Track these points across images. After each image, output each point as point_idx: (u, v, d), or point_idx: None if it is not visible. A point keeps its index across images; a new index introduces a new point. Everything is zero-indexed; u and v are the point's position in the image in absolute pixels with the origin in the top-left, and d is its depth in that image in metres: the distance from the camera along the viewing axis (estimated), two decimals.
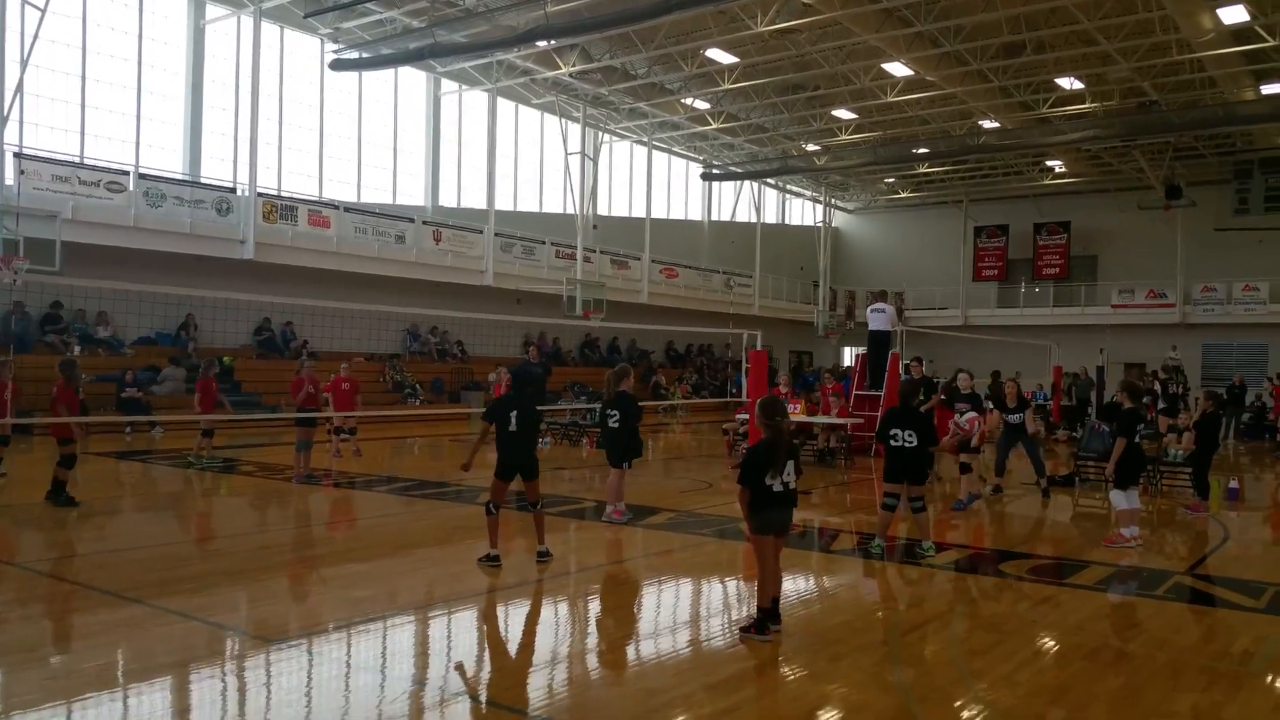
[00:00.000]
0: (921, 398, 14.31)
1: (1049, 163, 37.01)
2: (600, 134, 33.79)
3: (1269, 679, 5.79)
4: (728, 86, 28.17)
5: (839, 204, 46.04)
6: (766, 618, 6.32)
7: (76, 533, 10.15)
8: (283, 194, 24.80)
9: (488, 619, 7.08)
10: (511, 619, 7.10)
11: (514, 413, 8.19)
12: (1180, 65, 25.43)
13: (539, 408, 9.18)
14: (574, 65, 27.04)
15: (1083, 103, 28.96)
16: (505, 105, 30.86)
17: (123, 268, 20.40)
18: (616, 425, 10.68)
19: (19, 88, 19.04)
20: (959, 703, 5.25)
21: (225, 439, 18.76)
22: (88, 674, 5.52)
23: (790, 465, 6.38)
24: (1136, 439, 10.14)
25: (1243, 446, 22.76)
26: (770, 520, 6.38)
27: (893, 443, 9.07)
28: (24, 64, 18.89)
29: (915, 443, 9.02)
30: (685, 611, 7.46)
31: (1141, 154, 33.72)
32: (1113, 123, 29.19)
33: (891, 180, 41.68)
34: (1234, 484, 13.52)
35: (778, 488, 6.34)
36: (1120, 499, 9.79)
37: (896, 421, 9.13)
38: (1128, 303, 37.07)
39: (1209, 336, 35.76)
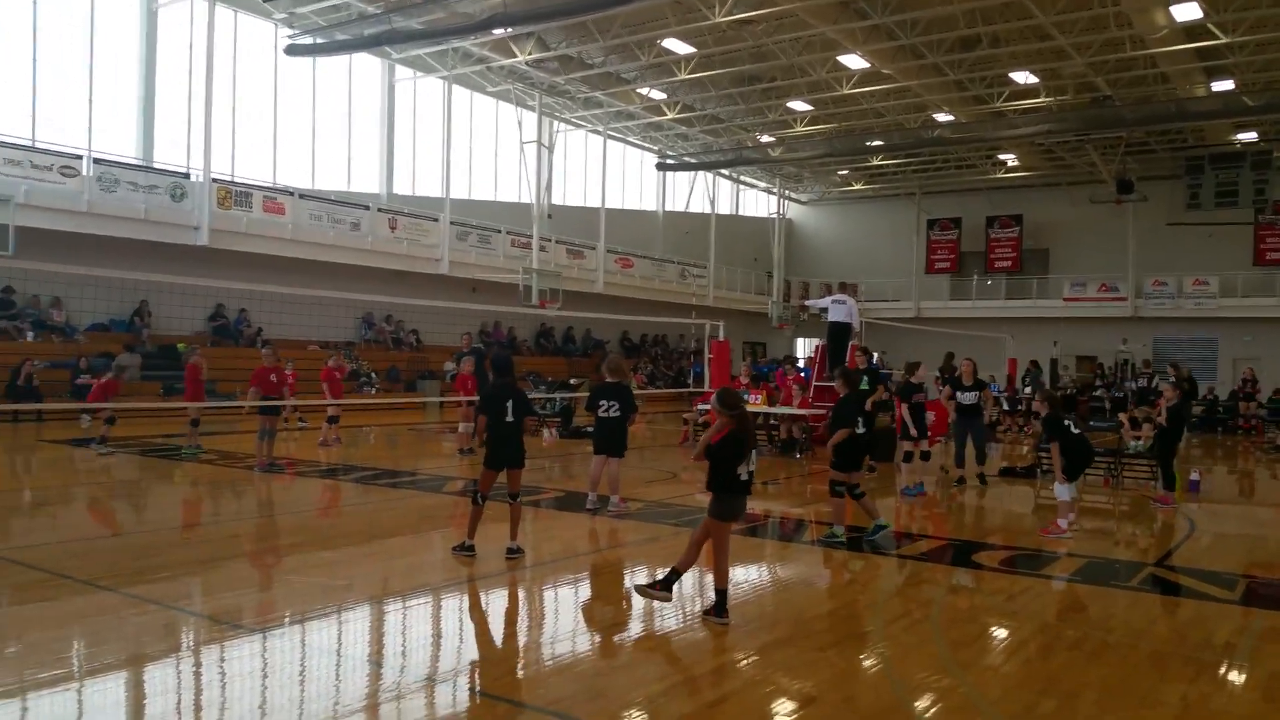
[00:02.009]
0: (867, 387, 14.51)
1: (1002, 156, 37.45)
2: (556, 123, 33.61)
3: (1253, 670, 5.85)
4: (684, 77, 28.12)
5: (793, 195, 46.25)
6: (673, 578, 6.52)
7: (39, 520, 9.94)
8: (237, 180, 24.35)
9: (471, 608, 6.99)
10: (493, 608, 7.02)
11: (509, 402, 8.04)
12: (1134, 61, 25.81)
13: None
14: (530, 54, 26.83)
15: (1036, 97, 29.31)
16: (460, 93, 30.54)
17: (76, 253, 19.98)
18: (616, 415, 10.52)
19: None
20: (948, 694, 5.24)
21: (176, 427, 18.37)
22: (64, 661, 5.43)
23: (753, 455, 6.51)
24: (1076, 433, 10.32)
25: (1195, 438, 23.18)
26: (734, 507, 6.53)
27: (857, 430, 9.13)
28: None
29: (865, 430, 9.19)
30: (670, 602, 7.40)
31: (1094, 148, 34.21)
32: (1066, 117, 29.60)
33: (845, 172, 41.93)
34: (1195, 476, 13.69)
35: (745, 476, 6.43)
36: (1063, 491, 9.95)
37: (859, 409, 9.24)
38: (1080, 296, 37.58)
39: (1160, 330, 36.35)
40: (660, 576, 6.72)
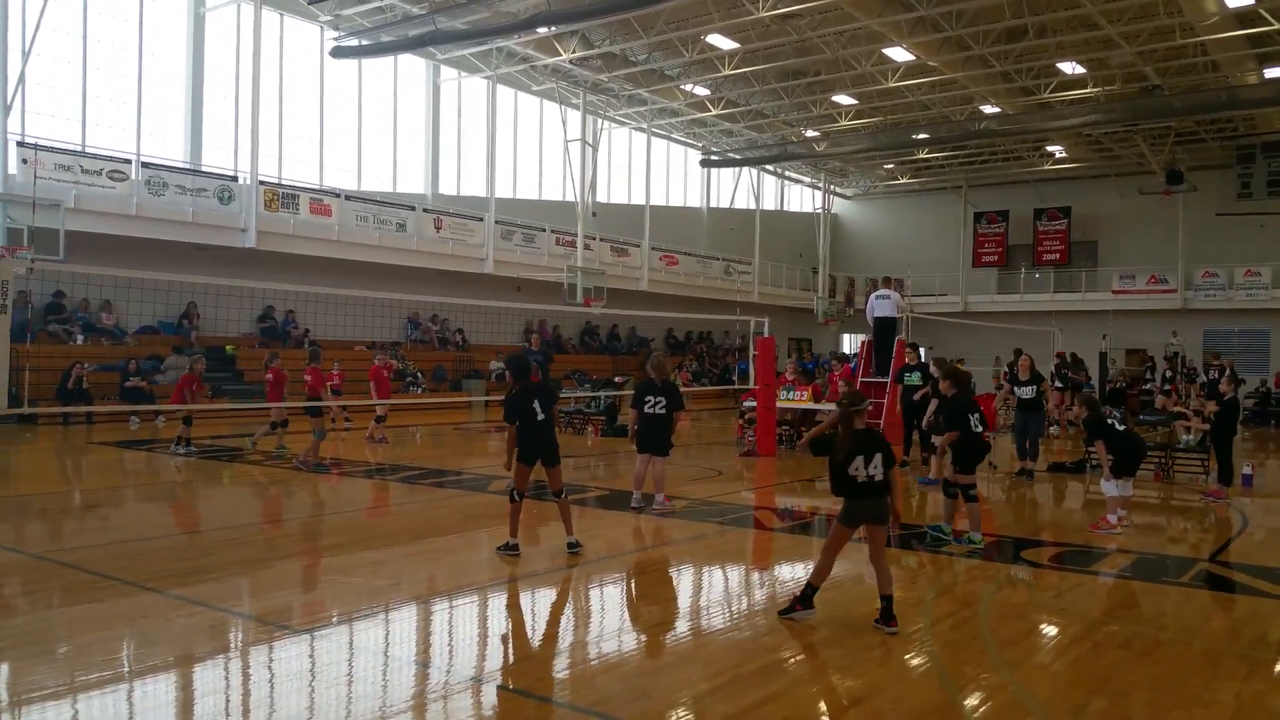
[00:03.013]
0: (918, 381, 14.43)
1: (1049, 148, 36.92)
2: (600, 121, 33.64)
3: None
4: (728, 72, 28.05)
5: (838, 190, 45.92)
6: (804, 598, 6.39)
7: (90, 523, 10.14)
8: (284, 182, 24.63)
9: (516, 608, 7.01)
10: (538, 607, 7.06)
11: (535, 401, 8.13)
12: (1183, 49, 25.35)
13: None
14: (574, 52, 26.88)
15: (1084, 87, 28.88)
16: (505, 92, 30.69)
17: (125, 256, 20.33)
18: (662, 412, 10.49)
19: (21, 77, 18.94)
20: (997, 693, 5.19)
21: (230, 427, 18.73)
22: (112, 663, 5.51)
23: (878, 458, 6.34)
24: (1121, 429, 10.20)
25: (1247, 432, 22.73)
26: (857, 512, 6.40)
27: (975, 429, 8.95)
28: (26, 54, 18.84)
29: (982, 429, 9.02)
30: (714, 599, 7.41)
31: (1143, 139, 33.66)
32: (1114, 108, 29.10)
33: (891, 166, 41.56)
34: (1248, 470, 13.42)
35: (862, 478, 6.32)
36: (1111, 487, 9.81)
37: (971, 407, 9.06)
38: (1128, 288, 36.99)
39: (1210, 322, 35.65)
40: (798, 595, 6.51)
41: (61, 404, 19.00)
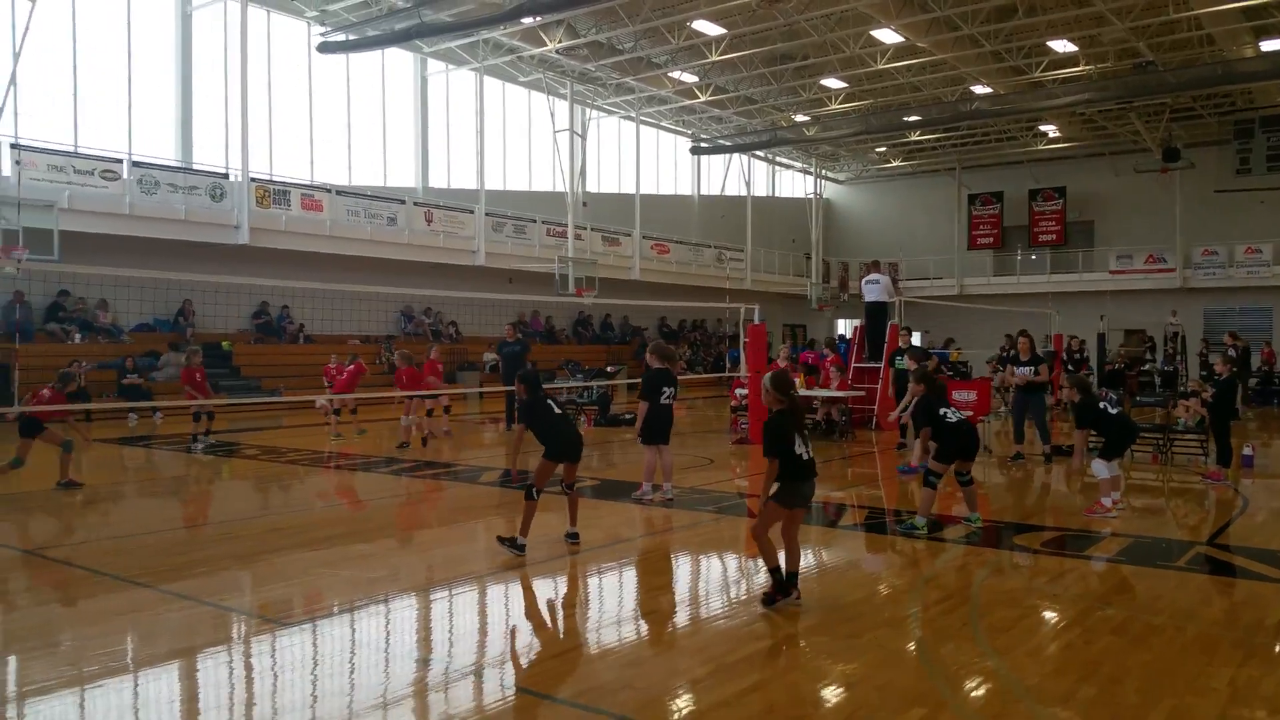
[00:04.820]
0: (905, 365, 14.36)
1: (1043, 127, 36.79)
2: (588, 110, 33.52)
3: None
4: (715, 58, 27.92)
5: (829, 175, 45.79)
6: (778, 585, 6.34)
7: (85, 518, 10.16)
8: (275, 178, 24.59)
9: (503, 598, 6.93)
10: (532, 598, 6.98)
11: (550, 399, 8.16)
12: (1177, 24, 25.18)
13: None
14: (560, 41, 26.76)
15: (1076, 65, 28.72)
16: (492, 84, 30.59)
17: (119, 255, 20.48)
18: (672, 401, 10.44)
19: (12, 79, 18.91)
20: (986, 680, 5.12)
21: (228, 423, 18.73)
22: (103, 659, 5.50)
23: (804, 435, 6.42)
24: (1114, 413, 10.13)
25: (1251, 412, 22.62)
26: (800, 492, 6.38)
27: (950, 419, 8.80)
28: (16, 56, 18.77)
29: (957, 418, 8.91)
30: (701, 589, 7.34)
31: (1137, 116, 33.49)
32: (1107, 85, 28.94)
33: (883, 150, 41.41)
34: (1248, 451, 13.26)
35: (806, 457, 6.32)
36: (1102, 469, 9.71)
37: (939, 403, 8.91)
38: (1126, 268, 36.88)
39: (1210, 301, 35.53)
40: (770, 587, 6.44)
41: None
